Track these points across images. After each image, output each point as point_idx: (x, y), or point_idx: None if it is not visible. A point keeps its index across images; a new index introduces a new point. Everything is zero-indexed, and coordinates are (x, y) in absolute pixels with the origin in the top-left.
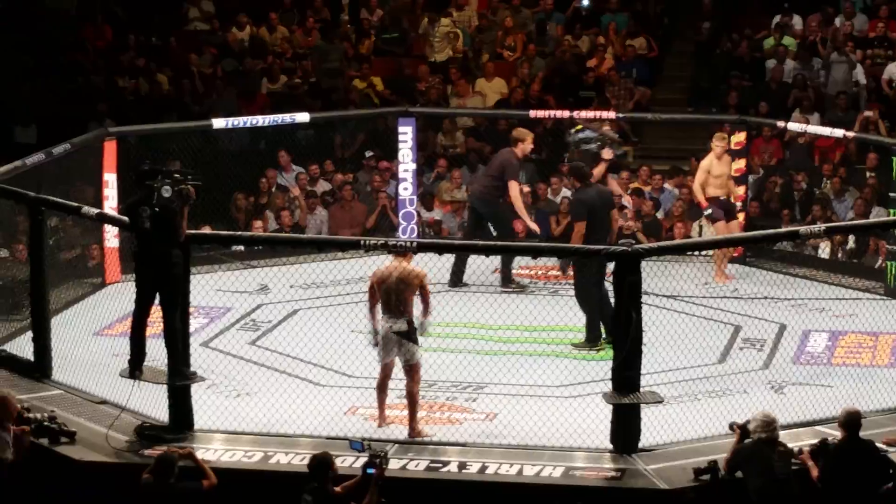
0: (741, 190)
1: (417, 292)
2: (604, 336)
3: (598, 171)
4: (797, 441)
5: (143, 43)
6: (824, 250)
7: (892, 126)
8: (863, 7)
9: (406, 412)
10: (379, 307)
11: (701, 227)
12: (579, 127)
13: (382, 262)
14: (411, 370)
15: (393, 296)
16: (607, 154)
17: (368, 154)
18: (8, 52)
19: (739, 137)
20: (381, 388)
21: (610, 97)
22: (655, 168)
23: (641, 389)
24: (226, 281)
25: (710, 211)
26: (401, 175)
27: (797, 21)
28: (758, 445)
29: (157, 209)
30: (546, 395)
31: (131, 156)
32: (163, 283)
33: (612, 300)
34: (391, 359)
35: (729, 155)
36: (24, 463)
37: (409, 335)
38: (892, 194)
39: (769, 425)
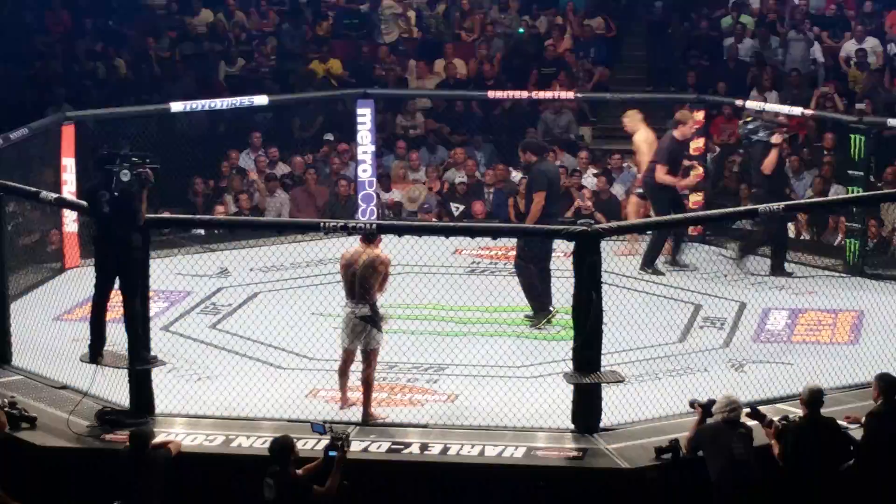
0: (700, 169)
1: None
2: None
3: (771, 158)
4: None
5: (101, 27)
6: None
7: (850, 103)
8: None
9: None
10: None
11: None
12: (748, 118)
13: (343, 245)
14: (369, 356)
15: (357, 281)
16: (776, 139)
17: (327, 137)
18: None
19: (698, 116)
20: (343, 373)
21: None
22: (613, 148)
23: (602, 369)
24: (185, 265)
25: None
26: (360, 157)
27: None
28: (719, 426)
29: (116, 193)
30: (507, 375)
31: (90, 140)
32: (123, 267)
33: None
34: (354, 344)
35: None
36: None
37: (373, 320)
38: (850, 171)
39: (731, 407)
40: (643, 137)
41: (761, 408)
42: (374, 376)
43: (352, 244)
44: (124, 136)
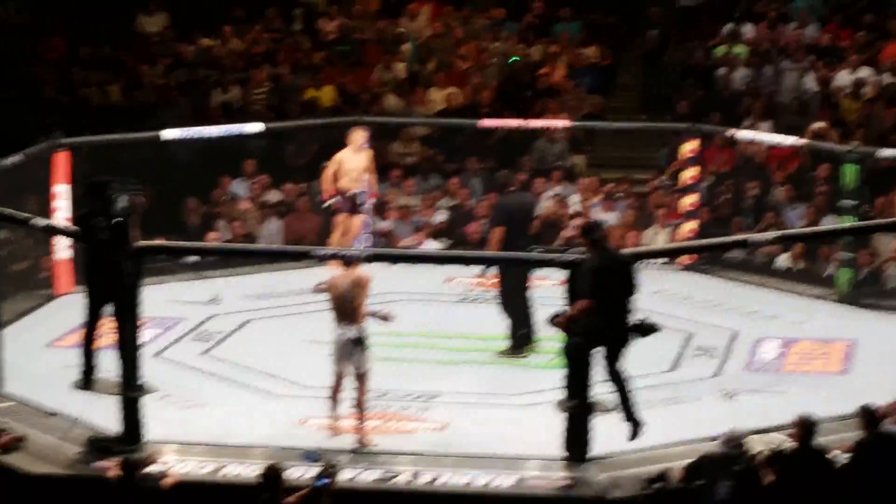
0: (694, 198)
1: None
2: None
3: None
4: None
5: (96, 54)
6: (779, 260)
7: (844, 134)
8: (816, 16)
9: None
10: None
11: (654, 234)
12: None
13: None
14: (360, 378)
15: (346, 304)
16: None
17: (324, 165)
18: None
19: (692, 145)
20: (335, 397)
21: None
22: (608, 176)
23: (594, 398)
24: (178, 291)
25: (329, 203)
26: None
27: (748, 29)
28: (718, 458)
29: (117, 219)
30: (498, 403)
31: (83, 166)
32: (115, 293)
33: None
34: (345, 367)
35: (368, 150)
36: None
37: (362, 342)
38: (842, 201)
39: (731, 442)
40: (361, 162)
41: (753, 438)
42: (366, 401)
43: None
44: (120, 163)
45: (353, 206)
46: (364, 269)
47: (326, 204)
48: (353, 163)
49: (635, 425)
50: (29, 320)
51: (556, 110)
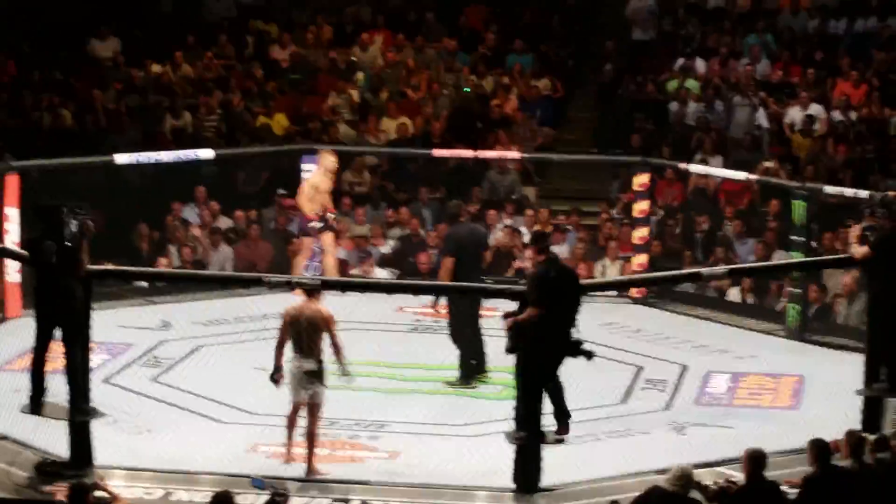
0: (645, 231)
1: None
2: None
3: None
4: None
5: (47, 78)
6: (729, 294)
7: (794, 169)
8: (767, 51)
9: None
10: (288, 345)
11: (604, 266)
12: None
13: (287, 301)
14: (313, 409)
15: (304, 336)
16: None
17: (281, 192)
18: None
19: (643, 179)
20: (291, 425)
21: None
22: (558, 208)
23: (544, 429)
24: (128, 317)
25: (313, 224)
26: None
27: (700, 64)
28: (665, 495)
29: (67, 243)
30: (449, 433)
31: (33, 190)
32: (64, 318)
33: None
34: (301, 397)
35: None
36: None
37: (318, 375)
38: (791, 237)
39: (681, 482)
40: (328, 185)
41: (702, 471)
42: (317, 431)
43: (294, 300)
44: (71, 187)
45: (325, 227)
46: (326, 306)
47: (317, 225)
48: (324, 186)
49: (564, 418)
50: None
51: (507, 142)
